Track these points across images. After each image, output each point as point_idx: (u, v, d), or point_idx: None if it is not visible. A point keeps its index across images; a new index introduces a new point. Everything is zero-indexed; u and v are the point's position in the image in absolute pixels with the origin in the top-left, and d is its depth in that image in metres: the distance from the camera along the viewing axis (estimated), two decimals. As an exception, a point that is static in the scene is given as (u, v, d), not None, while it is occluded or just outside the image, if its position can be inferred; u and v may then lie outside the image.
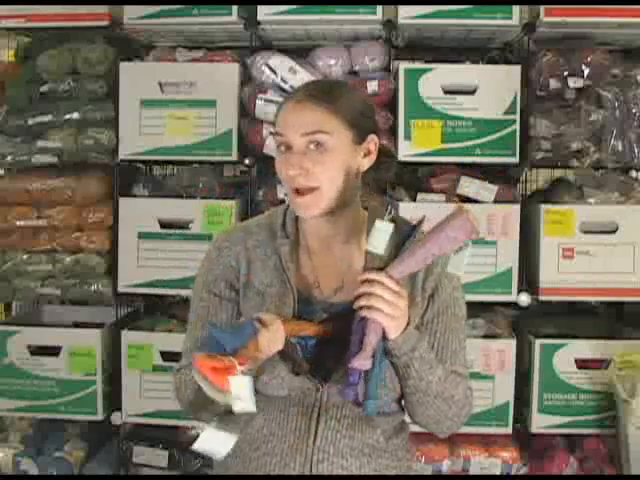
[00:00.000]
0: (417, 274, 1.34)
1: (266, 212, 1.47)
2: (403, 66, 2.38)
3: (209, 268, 1.40)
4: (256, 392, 1.34)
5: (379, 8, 2.34)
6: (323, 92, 1.31)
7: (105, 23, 2.43)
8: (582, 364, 2.38)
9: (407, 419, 1.43)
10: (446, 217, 1.22)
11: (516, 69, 2.36)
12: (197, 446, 1.16)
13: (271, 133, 1.37)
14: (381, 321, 1.22)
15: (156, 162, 2.73)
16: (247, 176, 2.57)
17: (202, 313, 1.40)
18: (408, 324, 1.26)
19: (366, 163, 1.34)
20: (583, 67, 2.31)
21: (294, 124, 1.28)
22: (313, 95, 1.30)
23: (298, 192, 1.28)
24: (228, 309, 1.38)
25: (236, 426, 1.19)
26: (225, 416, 1.18)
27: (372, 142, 1.34)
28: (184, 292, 2.54)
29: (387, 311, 1.21)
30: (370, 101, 1.43)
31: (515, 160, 2.36)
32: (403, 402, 1.40)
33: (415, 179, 2.54)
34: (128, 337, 2.50)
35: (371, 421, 1.34)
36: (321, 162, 1.27)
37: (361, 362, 1.22)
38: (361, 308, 1.22)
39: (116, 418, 2.50)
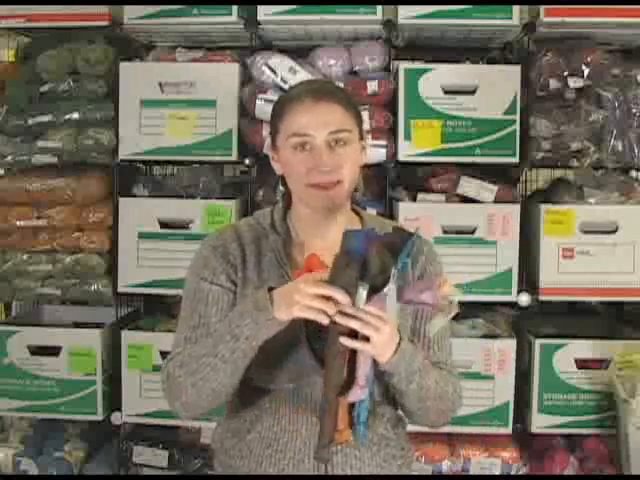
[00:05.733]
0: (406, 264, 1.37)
1: (251, 216, 1.49)
2: (403, 66, 2.38)
3: (205, 264, 1.37)
4: (263, 389, 1.34)
5: (379, 8, 2.34)
6: (333, 90, 1.38)
7: (105, 23, 2.43)
8: (582, 364, 2.38)
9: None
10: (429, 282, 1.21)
11: (516, 69, 2.36)
12: None
13: (288, 137, 1.36)
14: (369, 349, 1.19)
15: (156, 162, 2.73)
16: (247, 176, 2.57)
17: (199, 304, 1.36)
18: (400, 342, 1.24)
19: (364, 159, 1.41)
20: (583, 67, 2.31)
21: (319, 123, 1.31)
22: (328, 93, 1.35)
23: (320, 186, 1.31)
24: (229, 298, 1.36)
25: None
26: None
27: (366, 139, 1.43)
28: (184, 292, 2.54)
29: (374, 339, 1.19)
30: None
31: (515, 160, 2.36)
32: (400, 409, 1.42)
33: (415, 179, 2.54)
34: (128, 337, 2.50)
35: (377, 409, 1.36)
36: (346, 158, 1.32)
37: (357, 394, 1.22)
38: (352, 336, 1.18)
39: (116, 418, 2.50)
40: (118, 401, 2.50)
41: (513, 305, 2.42)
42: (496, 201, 2.37)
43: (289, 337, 1.26)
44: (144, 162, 2.69)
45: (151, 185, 2.59)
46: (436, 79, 2.35)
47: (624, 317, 2.68)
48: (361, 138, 1.39)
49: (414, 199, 2.42)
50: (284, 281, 1.33)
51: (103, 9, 2.42)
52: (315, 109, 1.32)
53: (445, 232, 2.35)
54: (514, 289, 2.37)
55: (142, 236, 2.46)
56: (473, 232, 2.36)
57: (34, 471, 2.55)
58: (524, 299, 2.36)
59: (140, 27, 2.47)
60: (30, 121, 2.47)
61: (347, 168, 1.32)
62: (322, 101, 1.32)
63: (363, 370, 1.22)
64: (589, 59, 2.31)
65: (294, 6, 2.35)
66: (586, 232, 2.34)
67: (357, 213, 1.47)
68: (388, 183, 2.43)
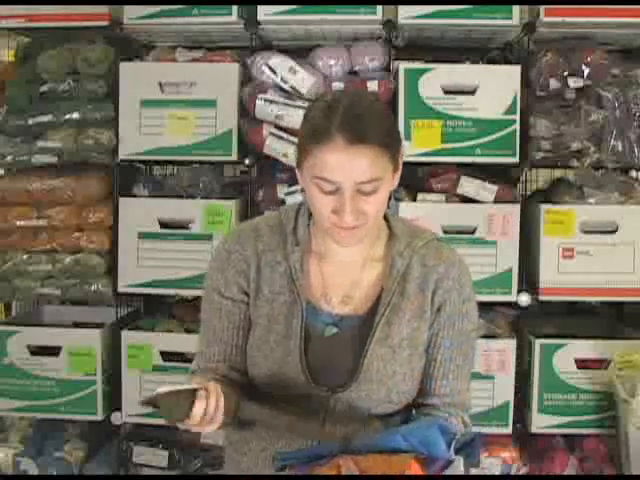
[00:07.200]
0: (427, 285, 1.34)
1: (276, 212, 1.43)
2: (403, 66, 2.37)
3: (220, 270, 1.38)
4: (264, 393, 1.34)
5: (379, 8, 2.34)
6: (369, 126, 1.22)
7: (105, 23, 2.43)
8: (582, 364, 2.38)
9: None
10: None
11: (516, 69, 2.35)
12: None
13: (313, 177, 1.28)
14: None
15: (156, 162, 2.72)
16: (247, 176, 2.57)
17: (213, 316, 1.38)
18: None
19: (397, 181, 1.33)
20: (583, 67, 2.31)
21: (349, 173, 1.21)
22: (362, 133, 1.21)
23: (342, 227, 1.26)
24: (241, 310, 1.37)
25: None
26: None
27: (401, 158, 1.32)
28: (184, 292, 2.54)
29: None
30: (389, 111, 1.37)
31: (515, 160, 2.36)
32: None
33: (415, 179, 2.54)
34: (128, 337, 2.50)
35: (374, 423, 1.33)
36: (373, 203, 1.25)
37: None
38: None
39: (116, 418, 2.50)
40: (118, 401, 2.50)
41: (513, 305, 2.42)
42: (496, 201, 2.37)
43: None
44: (144, 162, 2.69)
45: (151, 185, 2.59)
46: (436, 79, 2.35)
47: (624, 317, 2.68)
48: (397, 168, 1.29)
49: (414, 199, 2.41)
50: (293, 296, 1.32)
51: (103, 9, 2.42)
52: (346, 154, 1.20)
53: (445, 232, 2.35)
54: (514, 289, 2.37)
55: (142, 236, 2.46)
56: (473, 232, 2.36)
57: (34, 471, 2.55)
58: (524, 299, 2.36)
59: (140, 27, 2.47)
60: (30, 121, 2.47)
61: (371, 212, 1.25)
62: (354, 145, 1.20)
63: None
64: (589, 59, 2.31)
65: (294, 6, 2.35)
66: (586, 232, 2.34)
67: (385, 219, 1.41)
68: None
